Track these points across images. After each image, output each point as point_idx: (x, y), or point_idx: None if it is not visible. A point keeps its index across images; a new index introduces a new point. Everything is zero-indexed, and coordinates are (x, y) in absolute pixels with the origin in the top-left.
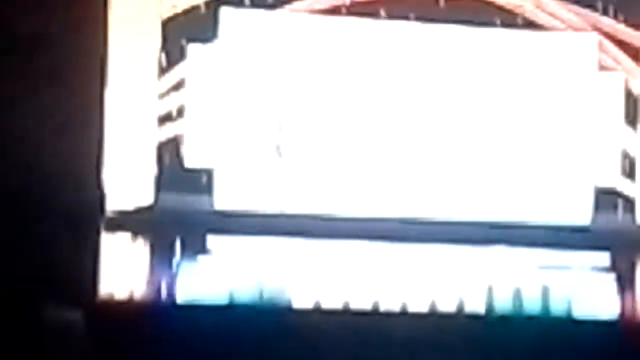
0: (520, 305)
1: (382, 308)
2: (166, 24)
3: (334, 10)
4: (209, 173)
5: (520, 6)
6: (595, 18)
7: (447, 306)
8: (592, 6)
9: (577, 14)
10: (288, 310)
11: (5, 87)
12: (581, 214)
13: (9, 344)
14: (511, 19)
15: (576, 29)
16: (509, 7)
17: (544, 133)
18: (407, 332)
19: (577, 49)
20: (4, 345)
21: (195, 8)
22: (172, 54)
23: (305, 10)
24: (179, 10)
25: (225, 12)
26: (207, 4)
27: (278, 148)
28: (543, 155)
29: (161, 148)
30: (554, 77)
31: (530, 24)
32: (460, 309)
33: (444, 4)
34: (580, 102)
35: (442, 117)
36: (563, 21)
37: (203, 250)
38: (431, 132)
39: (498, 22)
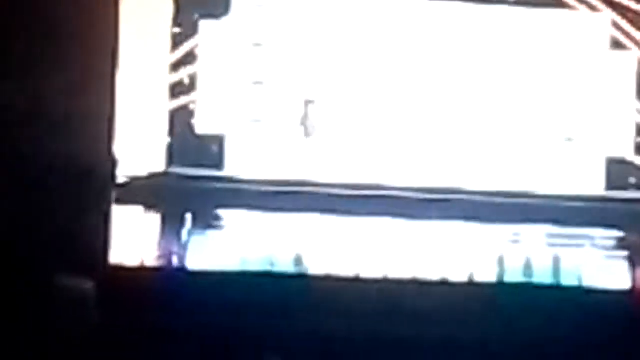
0: (531, 275)
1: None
2: None
3: None
4: (220, 141)
5: None
6: None
7: (458, 277)
8: None
9: None
10: (300, 277)
11: (14, 57)
12: (593, 188)
13: (20, 312)
14: None
15: (590, 8)
16: None
17: (556, 110)
18: (418, 300)
19: (590, 27)
20: (15, 314)
21: None
22: (185, 28)
23: None
24: None
25: None
26: None
27: (306, 128)
28: (556, 130)
29: (173, 117)
30: (566, 55)
31: (544, 2)
32: (471, 279)
33: None
34: (593, 79)
35: (456, 92)
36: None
37: (214, 221)
38: (444, 107)
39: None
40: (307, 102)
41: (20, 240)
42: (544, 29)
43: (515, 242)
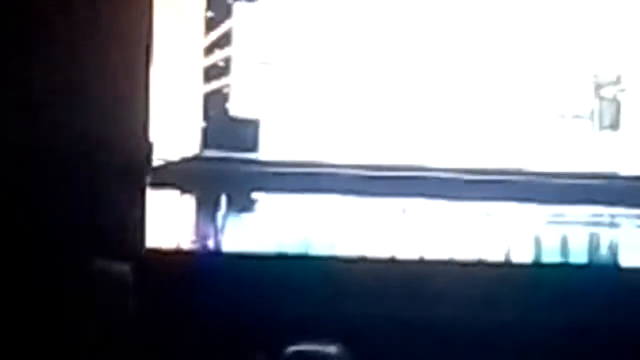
0: (567, 255)
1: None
2: None
3: None
4: (255, 124)
5: None
6: None
7: (493, 257)
8: None
9: None
10: (335, 260)
11: (48, 43)
12: (630, 167)
13: (58, 297)
14: None
15: None
16: None
17: (591, 85)
18: (453, 281)
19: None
20: (53, 299)
21: None
22: (219, 11)
23: None
24: None
25: None
26: None
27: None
28: (591, 108)
29: (207, 100)
30: (602, 30)
31: None
32: (507, 259)
33: None
34: (630, 53)
35: (485, 69)
36: None
37: (249, 204)
38: (476, 87)
39: None
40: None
41: (56, 225)
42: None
43: (552, 222)
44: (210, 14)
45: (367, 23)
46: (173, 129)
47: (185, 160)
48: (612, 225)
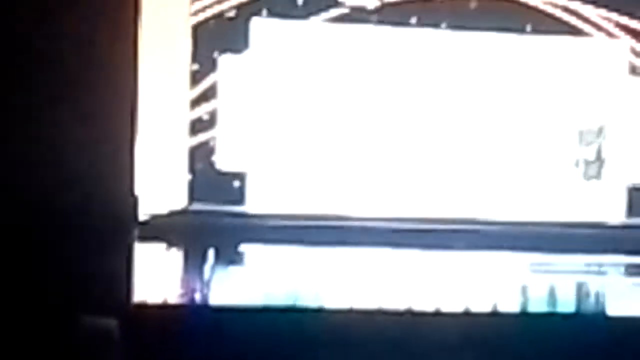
0: (554, 304)
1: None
2: (196, 30)
3: (364, 20)
4: (241, 178)
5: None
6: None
7: (479, 307)
8: (629, 13)
9: (610, 19)
10: (322, 312)
11: (32, 94)
12: (614, 215)
13: (44, 352)
14: (541, 24)
15: (608, 35)
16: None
17: (575, 137)
18: (440, 331)
19: (608, 54)
20: (39, 354)
21: (225, 18)
22: (204, 64)
23: (336, 20)
24: (208, 15)
25: (256, 23)
26: (237, 14)
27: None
28: (575, 158)
29: (193, 154)
30: (584, 82)
31: (562, 29)
32: (494, 309)
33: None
34: (612, 105)
35: (476, 123)
36: (595, 26)
37: (237, 257)
38: (461, 139)
39: (528, 28)
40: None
41: (42, 280)
42: (562, 57)
43: (538, 271)
44: (195, 66)
45: (352, 77)
46: (159, 183)
47: (171, 214)
48: (600, 273)
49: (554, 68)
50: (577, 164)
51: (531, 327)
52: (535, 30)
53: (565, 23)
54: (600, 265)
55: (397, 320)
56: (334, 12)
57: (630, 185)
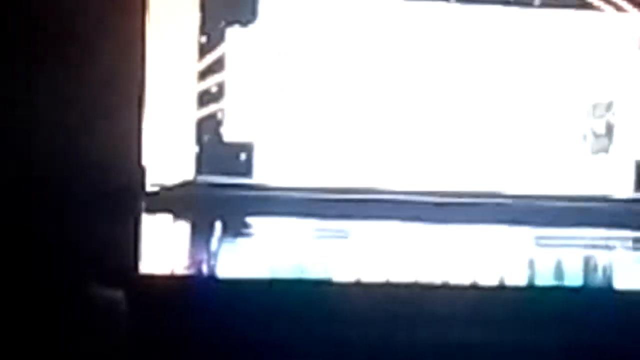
0: (562, 277)
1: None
2: (204, 2)
3: None
4: (249, 150)
5: None
6: None
7: (486, 280)
8: None
9: None
10: (329, 285)
11: (39, 64)
12: (622, 190)
13: (51, 322)
14: None
15: (618, 9)
16: None
17: (584, 111)
18: (448, 304)
19: (618, 28)
20: (45, 324)
21: None
22: (212, 36)
23: None
24: None
25: None
26: None
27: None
28: (584, 132)
29: (201, 126)
30: (593, 56)
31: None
32: (501, 282)
33: None
34: (621, 80)
35: (485, 96)
36: (605, 0)
37: (244, 229)
38: (470, 111)
39: (537, 1)
40: None
41: (49, 251)
42: (571, 30)
43: (545, 245)
44: (203, 39)
45: (361, 48)
46: (167, 155)
47: (179, 186)
48: (607, 247)
49: (563, 42)
50: (585, 138)
51: (538, 300)
52: (545, 4)
53: None
54: (607, 239)
55: (404, 293)
56: None
57: (639, 160)
